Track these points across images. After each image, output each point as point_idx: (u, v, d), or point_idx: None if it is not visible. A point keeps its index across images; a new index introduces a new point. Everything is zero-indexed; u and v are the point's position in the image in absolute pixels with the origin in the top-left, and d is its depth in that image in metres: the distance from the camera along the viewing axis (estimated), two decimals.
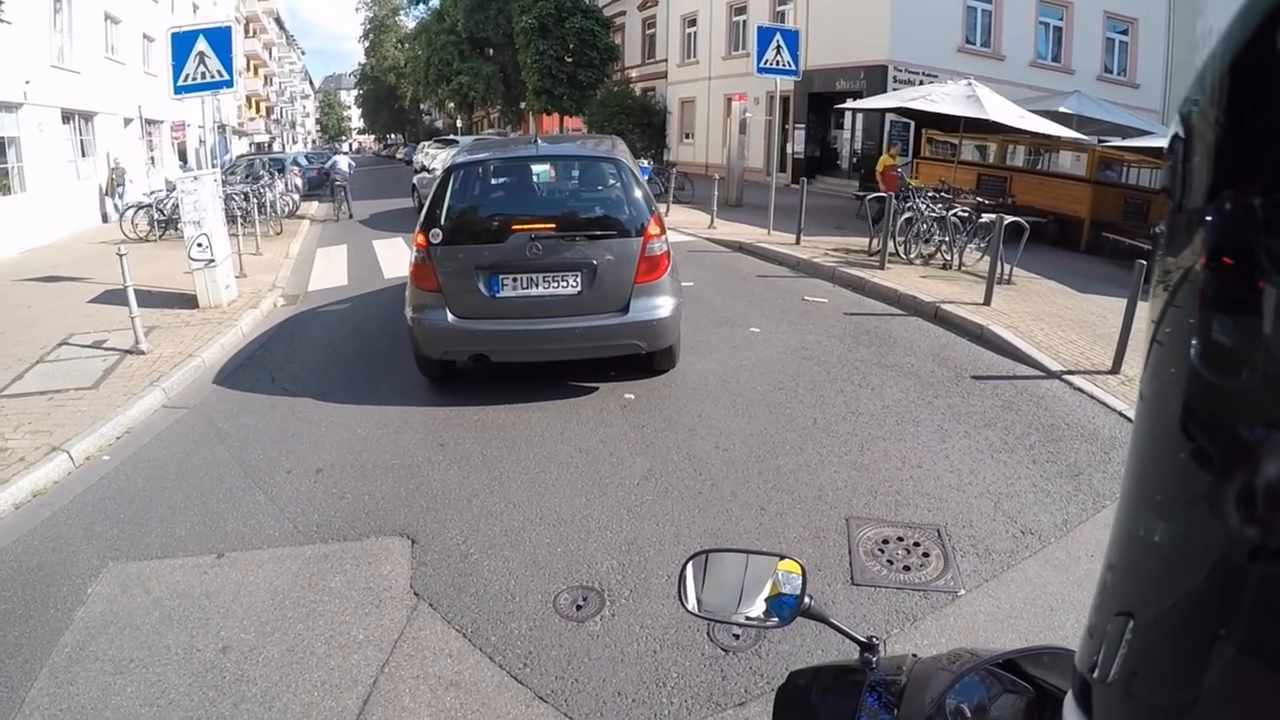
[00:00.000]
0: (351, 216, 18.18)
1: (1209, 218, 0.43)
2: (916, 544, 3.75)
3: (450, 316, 5.38)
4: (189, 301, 8.65)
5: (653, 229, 5.44)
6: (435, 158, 20.13)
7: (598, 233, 5.46)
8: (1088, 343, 6.82)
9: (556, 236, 5.33)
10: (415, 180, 20.06)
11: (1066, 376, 5.95)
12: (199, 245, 8.42)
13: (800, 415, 5.34)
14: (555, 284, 5.38)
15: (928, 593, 3.40)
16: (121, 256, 6.76)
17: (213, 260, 8.55)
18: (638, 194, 5.59)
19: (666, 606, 3.29)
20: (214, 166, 10.15)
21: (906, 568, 3.57)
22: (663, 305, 5.48)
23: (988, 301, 7.95)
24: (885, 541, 3.78)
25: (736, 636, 3.09)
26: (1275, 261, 0.39)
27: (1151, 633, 0.50)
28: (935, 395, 5.68)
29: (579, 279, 5.37)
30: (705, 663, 2.99)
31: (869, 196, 12.25)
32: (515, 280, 5.37)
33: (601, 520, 4.04)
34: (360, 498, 4.35)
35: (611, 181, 5.93)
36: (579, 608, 3.35)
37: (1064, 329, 7.28)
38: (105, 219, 16.82)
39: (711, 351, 6.69)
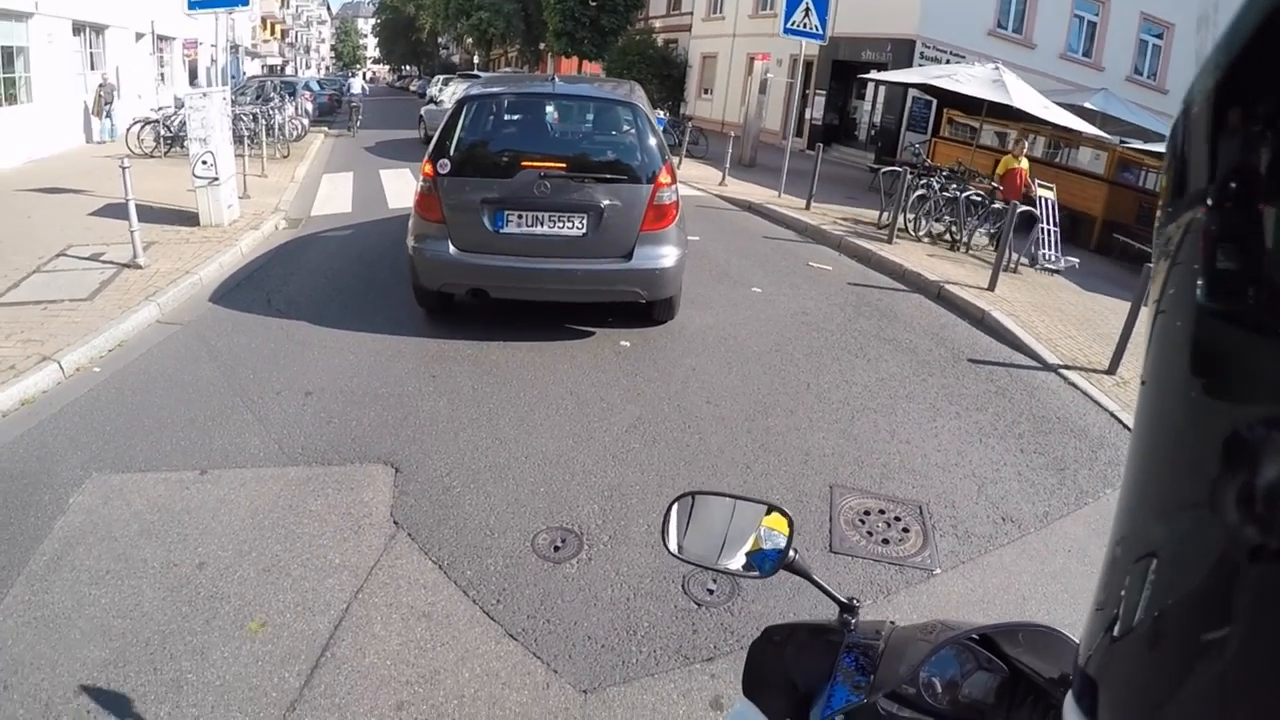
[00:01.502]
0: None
1: (1209, 213, 0.42)
2: (897, 518, 3.76)
3: (452, 249, 5.32)
4: (190, 219, 8.55)
5: (664, 177, 5.36)
6: (446, 91, 19.97)
7: (608, 176, 5.37)
8: (1087, 340, 6.78)
9: (566, 176, 5.25)
10: (423, 111, 19.78)
11: (1062, 370, 5.93)
12: (204, 163, 8.30)
13: (794, 379, 5.33)
14: (560, 224, 5.31)
15: (904, 567, 3.42)
16: (124, 170, 6.64)
17: (216, 179, 8.43)
18: (652, 141, 5.50)
19: (644, 554, 3.31)
20: (225, 86, 9.93)
21: (885, 541, 3.58)
22: (667, 255, 5.43)
23: (992, 287, 7.89)
24: (866, 513, 3.79)
25: (710, 591, 3.11)
26: (1276, 259, 0.39)
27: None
28: (930, 373, 5.66)
29: (585, 221, 5.30)
30: (677, 615, 3.01)
31: (883, 170, 12.10)
32: (520, 217, 5.30)
33: (586, 464, 4.04)
34: (347, 423, 4.34)
35: (626, 126, 5.80)
36: (557, 549, 3.36)
37: (1065, 324, 7.23)
38: (89, 139, 16.34)
39: (711, 307, 6.64)
